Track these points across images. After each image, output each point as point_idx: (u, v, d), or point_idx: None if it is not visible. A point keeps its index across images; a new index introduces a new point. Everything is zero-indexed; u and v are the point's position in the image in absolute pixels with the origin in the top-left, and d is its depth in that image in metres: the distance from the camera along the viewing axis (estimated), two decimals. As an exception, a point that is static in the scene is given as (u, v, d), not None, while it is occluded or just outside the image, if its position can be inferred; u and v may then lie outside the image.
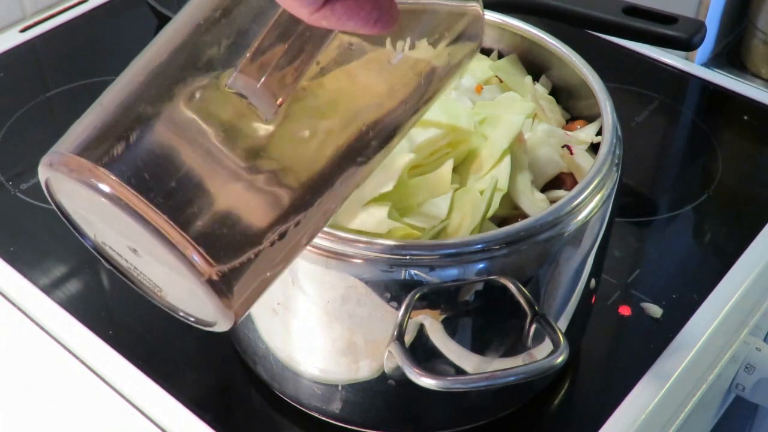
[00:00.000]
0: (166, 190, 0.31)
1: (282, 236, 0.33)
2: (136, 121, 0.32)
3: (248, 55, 0.32)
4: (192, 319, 0.37)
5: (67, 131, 0.33)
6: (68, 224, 0.37)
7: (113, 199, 0.30)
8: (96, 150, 0.31)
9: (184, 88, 0.32)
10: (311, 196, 0.34)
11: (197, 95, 0.32)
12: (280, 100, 0.33)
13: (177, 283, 0.34)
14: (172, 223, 0.30)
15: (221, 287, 0.32)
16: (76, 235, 0.37)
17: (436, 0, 0.38)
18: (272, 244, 0.33)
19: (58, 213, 0.36)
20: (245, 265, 0.32)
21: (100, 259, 0.37)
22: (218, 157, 0.32)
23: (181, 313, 0.37)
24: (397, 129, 0.38)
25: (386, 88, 0.37)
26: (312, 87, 0.34)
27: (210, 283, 0.31)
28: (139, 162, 0.31)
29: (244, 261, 0.32)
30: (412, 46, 0.37)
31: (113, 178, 0.30)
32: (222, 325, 0.34)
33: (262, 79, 0.32)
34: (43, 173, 0.33)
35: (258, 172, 0.33)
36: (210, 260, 0.31)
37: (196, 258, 0.31)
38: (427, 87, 0.39)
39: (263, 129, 0.33)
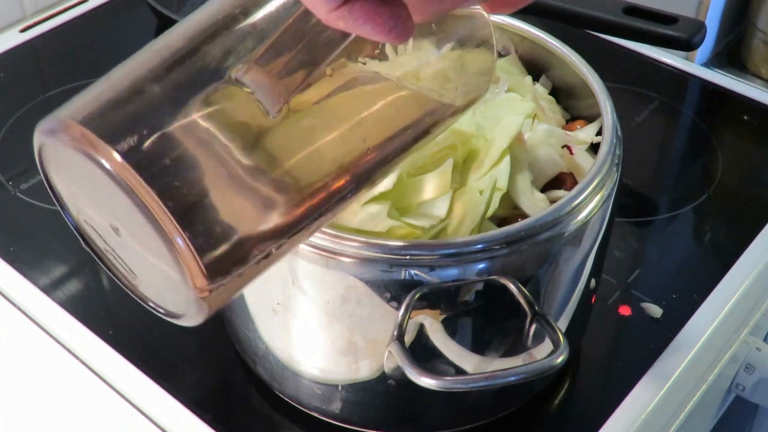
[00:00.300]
0: (164, 172, 0.30)
1: (268, 255, 0.33)
2: (144, 101, 0.32)
3: (261, 50, 0.32)
4: (162, 311, 0.36)
5: (69, 101, 0.32)
6: (52, 196, 0.36)
7: (112, 174, 0.30)
8: (101, 122, 0.31)
9: (194, 76, 0.32)
10: (305, 210, 0.34)
11: (206, 85, 0.32)
12: (286, 98, 0.33)
13: (153, 270, 0.34)
14: (163, 206, 0.30)
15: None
16: (59, 208, 0.36)
17: None
18: (260, 260, 0.33)
19: (45, 183, 0.36)
20: (229, 263, 0.32)
21: (78, 238, 0.37)
22: (218, 149, 0.32)
23: (151, 304, 0.36)
24: (401, 152, 0.38)
25: (394, 108, 0.37)
26: (319, 99, 0.34)
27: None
28: (142, 142, 0.31)
29: (229, 259, 0.32)
30: (420, 50, 0.37)
31: (115, 153, 0.30)
32: (192, 319, 0.34)
33: (271, 75, 0.32)
34: (39, 138, 0.33)
35: (256, 173, 0.33)
36: (194, 251, 0.31)
37: (181, 243, 0.30)
38: (438, 113, 0.39)
39: (265, 127, 0.33)
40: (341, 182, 0.35)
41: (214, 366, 0.58)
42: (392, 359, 0.44)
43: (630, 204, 0.70)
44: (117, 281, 0.37)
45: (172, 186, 0.30)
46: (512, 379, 0.42)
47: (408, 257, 0.42)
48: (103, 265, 0.37)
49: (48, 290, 0.61)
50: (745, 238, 0.66)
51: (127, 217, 0.31)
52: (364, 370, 0.48)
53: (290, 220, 0.34)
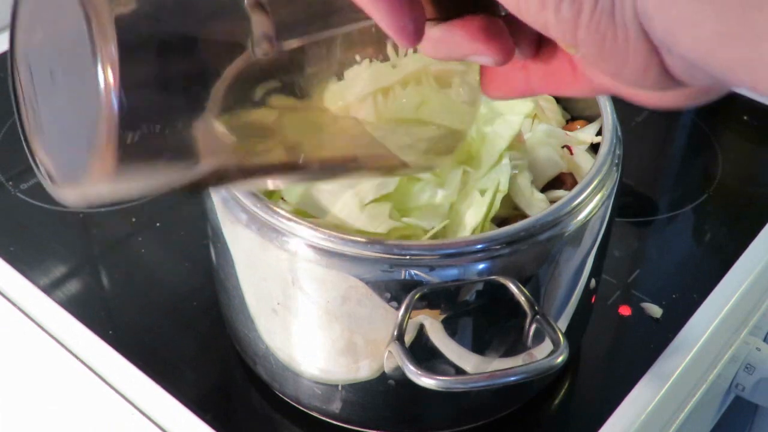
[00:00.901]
0: (136, 25, 0.30)
1: (182, 163, 0.33)
2: None
3: None
4: (43, 169, 0.36)
5: None
6: (10, 21, 0.35)
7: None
8: None
9: None
10: (230, 164, 0.34)
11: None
12: (276, 44, 0.32)
13: (67, 122, 0.33)
14: (114, 40, 0.29)
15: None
16: (7, 48, 0.36)
17: None
18: (167, 163, 0.33)
19: (10, 19, 0.35)
20: (149, 148, 0.31)
21: (9, 74, 0.36)
22: (192, 50, 0.31)
23: (38, 158, 0.36)
24: (371, 171, 0.38)
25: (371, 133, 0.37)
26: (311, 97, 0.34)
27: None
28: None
29: (152, 146, 0.31)
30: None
31: None
32: (91, 182, 0.33)
33: (274, 16, 0.32)
34: None
35: (217, 107, 0.32)
36: (117, 88, 0.30)
37: (116, 103, 0.29)
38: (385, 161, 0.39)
39: (244, 69, 0.32)
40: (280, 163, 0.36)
41: (214, 366, 0.58)
42: (392, 359, 0.44)
43: (630, 204, 0.70)
44: (20, 129, 0.37)
45: (135, 39, 0.30)
46: (512, 379, 0.42)
47: (408, 257, 0.42)
48: (15, 110, 0.37)
49: (48, 290, 0.61)
50: (745, 238, 0.66)
51: (70, 52, 0.31)
52: (364, 370, 0.48)
53: (217, 162, 0.34)
